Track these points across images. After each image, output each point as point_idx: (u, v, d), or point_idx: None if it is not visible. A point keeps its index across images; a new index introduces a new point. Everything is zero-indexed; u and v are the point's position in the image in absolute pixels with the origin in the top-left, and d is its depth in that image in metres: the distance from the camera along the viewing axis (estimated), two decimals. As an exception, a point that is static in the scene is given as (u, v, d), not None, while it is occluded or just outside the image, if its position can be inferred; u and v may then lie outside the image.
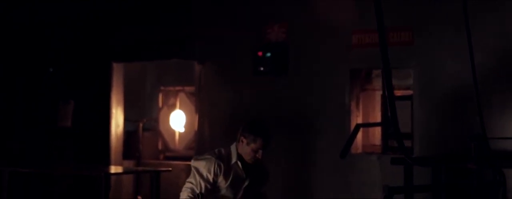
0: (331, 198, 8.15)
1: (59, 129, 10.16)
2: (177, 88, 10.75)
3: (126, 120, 10.22)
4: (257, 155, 5.10)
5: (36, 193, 9.62)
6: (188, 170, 5.63)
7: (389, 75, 3.73)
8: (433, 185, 7.03)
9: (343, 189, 8.11)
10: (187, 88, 10.55)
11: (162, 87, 10.90)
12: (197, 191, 5.13)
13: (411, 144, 7.78)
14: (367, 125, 8.21)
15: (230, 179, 5.18)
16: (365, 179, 7.97)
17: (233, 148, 5.23)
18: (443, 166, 6.73)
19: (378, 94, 8.29)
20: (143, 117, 10.67)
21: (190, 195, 5.13)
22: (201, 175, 5.15)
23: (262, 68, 8.53)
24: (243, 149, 5.14)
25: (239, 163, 5.18)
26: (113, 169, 8.25)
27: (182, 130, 10.53)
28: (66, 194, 9.71)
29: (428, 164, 6.69)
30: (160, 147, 10.85)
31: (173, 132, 10.75)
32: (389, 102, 3.60)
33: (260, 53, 8.53)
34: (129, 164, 10.19)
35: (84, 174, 7.76)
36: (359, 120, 8.21)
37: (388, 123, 8.05)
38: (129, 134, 10.47)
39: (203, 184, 5.14)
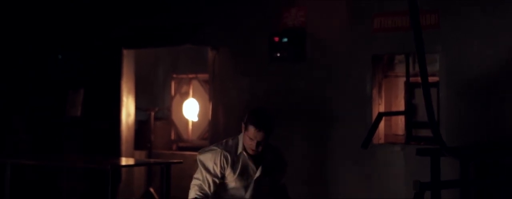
0: (351, 191, 7.97)
1: (68, 118, 10.08)
2: (190, 75, 10.60)
3: (137, 108, 10.10)
4: (252, 148, 4.79)
5: (43, 185, 9.45)
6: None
7: (423, 61, 3.36)
8: (463, 179, 6.63)
9: (363, 181, 7.91)
10: (201, 76, 10.41)
11: (174, 75, 10.77)
12: (206, 188, 4.84)
13: None
14: (389, 114, 7.98)
15: (238, 170, 4.90)
16: (388, 171, 7.76)
17: (240, 137, 4.95)
18: (485, 159, 6.30)
19: (401, 81, 8.05)
20: (155, 106, 10.52)
21: (198, 193, 4.84)
22: (207, 169, 4.87)
23: (278, 55, 8.36)
24: (244, 137, 4.87)
25: (245, 153, 4.89)
26: (124, 161, 7.98)
27: (196, 119, 10.37)
28: (75, 187, 9.50)
29: (469, 157, 6.24)
30: (172, 137, 10.71)
31: (186, 121, 10.60)
32: (423, 90, 3.23)
33: (276, 39, 8.37)
34: (141, 154, 10.06)
35: (89, 167, 7.41)
36: (381, 109, 8.00)
37: (412, 112, 7.87)
38: (140, 123, 10.36)
39: (210, 179, 4.86)
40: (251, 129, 4.77)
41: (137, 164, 7.73)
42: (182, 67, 10.69)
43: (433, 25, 7.43)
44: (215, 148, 4.90)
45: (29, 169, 9.08)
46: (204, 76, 10.08)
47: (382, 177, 7.76)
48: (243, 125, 4.85)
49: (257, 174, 4.94)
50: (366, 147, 7.35)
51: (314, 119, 8.30)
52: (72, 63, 10.11)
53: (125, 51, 9.89)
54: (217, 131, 9.02)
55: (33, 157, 7.60)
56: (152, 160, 8.71)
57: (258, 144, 4.79)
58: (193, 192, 4.85)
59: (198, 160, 4.91)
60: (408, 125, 7.88)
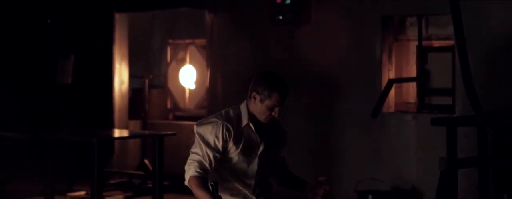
0: (359, 163, 7.75)
1: (58, 86, 9.76)
2: (187, 41, 10.35)
3: (131, 76, 9.96)
4: (272, 113, 4.39)
5: (27, 159, 9.20)
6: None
7: (459, 20, 2.85)
8: (480, 150, 6.14)
9: (372, 152, 7.69)
10: (198, 41, 10.17)
11: (170, 40, 10.55)
12: (206, 164, 4.37)
13: (452, 101, 7.29)
14: (400, 80, 7.76)
15: (241, 144, 4.44)
16: (398, 142, 7.54)
17: (243, 107, 4.48)
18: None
19: (413, 45, 7.78)
20: (150, 73, 10.23)
21: (198, 170, 4.34)
22: (207, 143, 4.38)
23: (280, 17, 8.14)
24: (256, 107, 4.41)
25: (251, 125, 4.45)
26: (117, 132, 7.68)
27: (193, 87, 10.13)
28: (63, 160, 9.22)
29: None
30: (168, 105, 10.52)
31: (182, 89, 10.40)
32: (460, 56, 2.72)
33: (278, 0, 8.13)
34: (135, 124, 9.87)
35: (72, 140, 7.05)
36: (392, 75, 7.77)
37: (425, 78, 7.66)
38: (134, 91, 10.19)
39: (211, 154, 4.37)
40: (276, 96, 4.37)
41: (126, 137, 7.40)
42: (179, 32, 10.49)
43: (448, -17, 7.05)
44: (215, 119, 4.44)
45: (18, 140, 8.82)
46: (202, 41, 9.89)
47: (392, 148, 7.55)
48: (252, 92, 4.41)
49: (261, 148, 4.51)
50: (375, 116, 7.20)
51: (319, 86, 8.10)
52: (62, 28, 9.83)
53: (117, 15, 9.78)
54: (215, 99, 8.86)
55: (16, 129, 7.23)
56: (147, 132, 8.42)
57: (278, 109, 4.42)
58: (192, 168, 4.37)
59: (196, 133, 4.46)
60: (420, 92, 7.67)
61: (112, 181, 9.05)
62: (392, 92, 7.67)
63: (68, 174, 9.05)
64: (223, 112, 4.47)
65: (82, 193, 8.67)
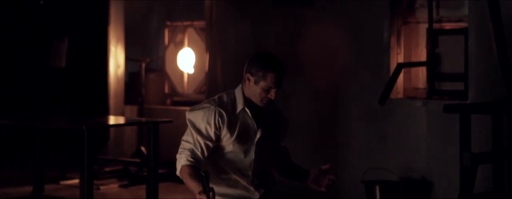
0: (366, 153, 7.57)
1: (52, 70, 9.85)
2: (186, 23, 10.25)
3: (127, 59, 9.86)
4: (269, 96, 4.16)
5: (19, 145, 9.09)
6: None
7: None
8: (495, 136, 5.86)
9: (380, 140, 7.49)
10: (197, 23, 10.10)
11: (168, 22, 10.47)
12: (198, 153, 4.15)
13: (465, 87, 7.05)
14: (410, 65, 7.57)
15: (236, 131, 4.20)
16: (407, 129, 7.34)
17: (238, 91, 4.24)
18: None
19: (423, 28, 7.57)
20: (147, 56, 10.11)
21: (190, 159, 4.12)
22: (198, 131, 4.15)
23: None
24: (251, 90, 4.17)
25: (247, 110, 4.21)
26: (112, 119, 7.60)
27: (191, 71, 10.01)
28: (56, 147, 9.09)
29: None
30: (166, 90, 10.46)
31: (181, 74, 10.31)
32: (496, 37, 2.43)
33: None
34: (132, 109, 9.80)
35: (61, 127, 6.84)
36: (400, 59, 7.57)
37: (435, 62, 7.42)
38: (131, 75, 10.15)
39: (202, 142, 4.15)
40: (271, 77, 4.13)
41: (118, 124, 7.19)
42: (177, 14, 10.41)
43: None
44: (207, 105, 4.23)
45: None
46: (201, 23, 9.83)
47: (400, 136, 7.37)
48: (246, 74, 4.19)
49: (258, 135, 4.26)
50: (383, 102, 7.01)
51: (324, 71, 7.90)
52: (55, 10, 9.94)
53: (112, -4, 9.88)
54: (215, 84, 8.71)
55: (6, 116, 7.11)
56: (143, 119, 8.27)
57: (274, 91, 4.18)
58: (184, 157, 4.16)
59: (187, 120, 4.24)
60: (431, 77, 7.46)
61: (107, 169, 8.89)
62: (401, 77, 7.50)
63: (61, 161, 8.91)
64: (216, 97, 4.25)
65: (76, 181, 8.42)
